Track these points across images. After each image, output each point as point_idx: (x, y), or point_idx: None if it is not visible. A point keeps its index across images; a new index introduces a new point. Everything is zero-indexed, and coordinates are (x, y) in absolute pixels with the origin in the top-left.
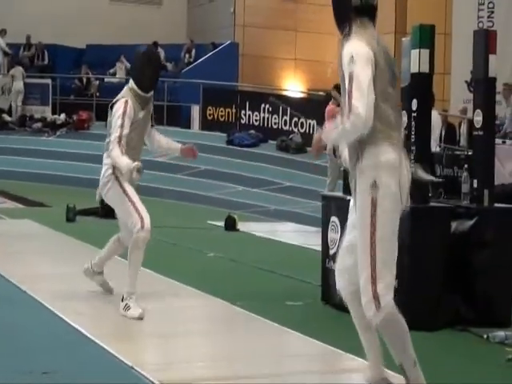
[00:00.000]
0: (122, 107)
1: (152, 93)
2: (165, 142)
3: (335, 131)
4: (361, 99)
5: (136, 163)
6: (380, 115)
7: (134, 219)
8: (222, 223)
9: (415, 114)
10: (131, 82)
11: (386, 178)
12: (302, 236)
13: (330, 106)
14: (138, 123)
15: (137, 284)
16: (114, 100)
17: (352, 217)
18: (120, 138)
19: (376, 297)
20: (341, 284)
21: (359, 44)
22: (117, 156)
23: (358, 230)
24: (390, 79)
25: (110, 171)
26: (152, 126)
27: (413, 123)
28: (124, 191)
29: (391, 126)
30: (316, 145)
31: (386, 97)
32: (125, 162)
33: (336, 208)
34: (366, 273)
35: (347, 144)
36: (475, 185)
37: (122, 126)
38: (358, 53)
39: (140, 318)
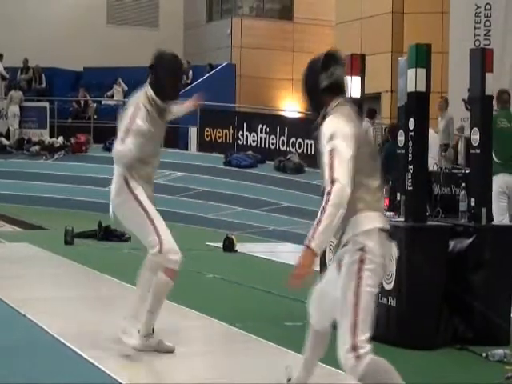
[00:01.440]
0: (133, 110)
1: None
2: (175, 110)
3: (318, 232)
4: (342, 175)
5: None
6: (366, 189)
7: (153, 240)
8: (220, 244)
9: (412, 133)
10: (148, 89)
11: (373, 244)
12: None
13: None
14: (154, 132)
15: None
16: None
17: (330, 274)
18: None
19: (355, 347)
20: (315, 318)
21: (339, 121)
22: (123, 148)
23: (342, 285)
24: (370, 153)
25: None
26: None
27: (410, 142)
28: (138, 202)
29: (376, 197)
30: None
31: (367, 171)
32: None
33: None
34: (346, 325)
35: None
36: (473, 203)
37: (131, 128)
38: (338, 129)
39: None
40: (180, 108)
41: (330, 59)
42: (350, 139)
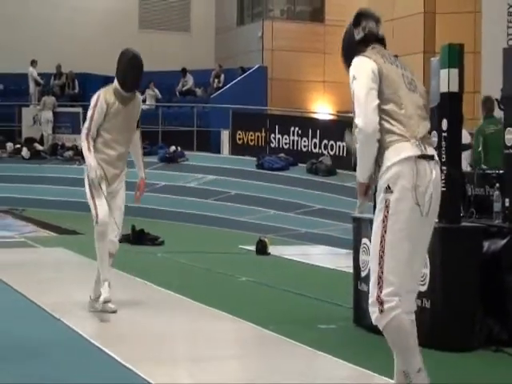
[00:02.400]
0: (94, 100)
1: (133, 93)
2: (136, 160)
3: (357, 167)
4: (360, 114)
5: (99, 174)
6: (395, 119)
7: (93, 211)
8: (253, 247)
9: (445, 134)
10: (115, 80)
11: (400, 182)
12: (333, 258)
13: None
14: (112, 115)
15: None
16: None
17: None
18: (89, 129)
19: (380, 301)
20: None
21: (360, 60)
22: (85, 151)
23: (372, 233)
24: (404, 82)
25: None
26: (137, 127)
27: (443, 143)
28: (88, 183)
29: (408, 126)
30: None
31: (397, 100)
32: (91, 161)
33: (367, 230)
34: (373, 276)
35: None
36: (507, 204)
37: (91, 117)
38: (358, 69)
39: (106, 302)
40: (138, 169)
41: (360, 16)
42: (372, 73)
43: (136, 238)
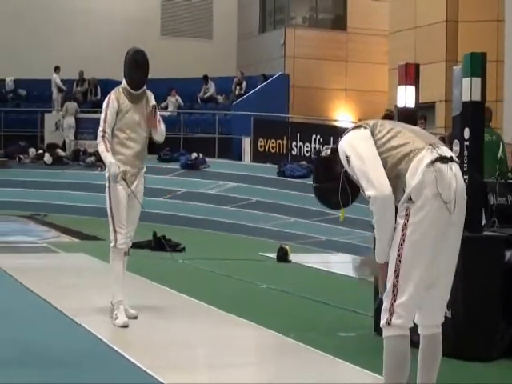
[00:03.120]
0: (105, 102)
1: (142, 90)
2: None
3: (376, 247)
4: (369, 185)
5: (121, 169)
6: (398, 146)
7: (111, 234)
8: (273, 255)
9: (467, 143)
10: (123, 80)
11: (424, 191)
12: (352, 267)
13: None
14: (124, 114)
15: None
16: None
17: None
18: (104, 131)
19: (391, 311)
20: None
21: (351, 136)
22: (102, 151)
23: (393, 240)
24: (396, 126)
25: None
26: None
27: (465, 152)
28: (109, 198)
29: (413, 142)
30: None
31: (394, 134)
32: (110, 159)
33: None
34: (389, 283)
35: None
36: None
37: (104, 119)
38: (350, 146)
39: (124, 326)
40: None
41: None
42: (363, 136)
43: (157, 244)
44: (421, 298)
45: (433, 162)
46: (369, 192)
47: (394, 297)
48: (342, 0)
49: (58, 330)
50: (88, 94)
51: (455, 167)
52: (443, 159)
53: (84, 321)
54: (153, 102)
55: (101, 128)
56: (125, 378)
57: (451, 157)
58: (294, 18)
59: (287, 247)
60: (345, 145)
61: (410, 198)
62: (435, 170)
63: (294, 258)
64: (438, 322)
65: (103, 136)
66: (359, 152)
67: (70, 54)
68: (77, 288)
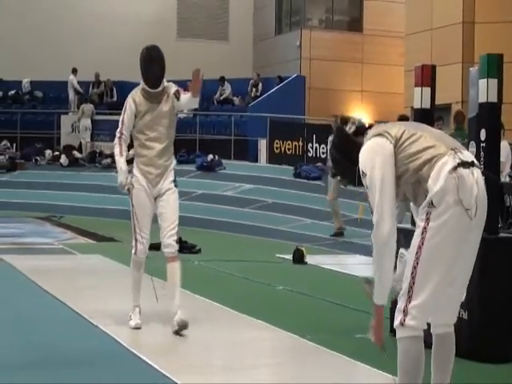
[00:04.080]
0: (124, 105)
1: (161, 88)
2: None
3: (375, 286)
4: (376, 213)
5: (130, 181)
6: (418, 152)
7: (133, 241)
8: (290, 256)
9: (484, 145)
10: (141, 80)
11: (445, 198)
12: (370, 268)
13: None
14: (143, 115)
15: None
16: None
17: None
18: (121, 132)
19: (405, 312)
20: None
21: (365, 150)
22: (116, 154)
23: (412, 241)
24: (417, 131)
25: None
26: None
27: (481, 153)
28: (132, 205)
29: (434, 146)
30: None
31: (416, 139)
32: (122, 165)
33: (404, 239)
34: (405, 284)
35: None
36: None
37: (122, 121)
38: (366, 160)
39: (136, 328)
40: (185, 96)
41: (343, 118)
42: (382, 159)
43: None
44: (436, 301)
45: (455, 168)
46: (374, 219)
47: (409, 298)
48: (358, 1)
49: (74, 332)
50: (104, 96)
51: (477, 172)
52: (465, 164)
53: (100, 322)
54: (173, 90)
55: (118, 129)
56: (140, 379)
57: (472, 162)
58: (310, 20)
59: (303, 249)
60: (365, 157)
61: (431, 203)
62: (457, 177)
63: (310, 259)
64: (452, 321)
65: (120, 137)
66: (376, 173)
67: (86, 56)
68: (93, 290)
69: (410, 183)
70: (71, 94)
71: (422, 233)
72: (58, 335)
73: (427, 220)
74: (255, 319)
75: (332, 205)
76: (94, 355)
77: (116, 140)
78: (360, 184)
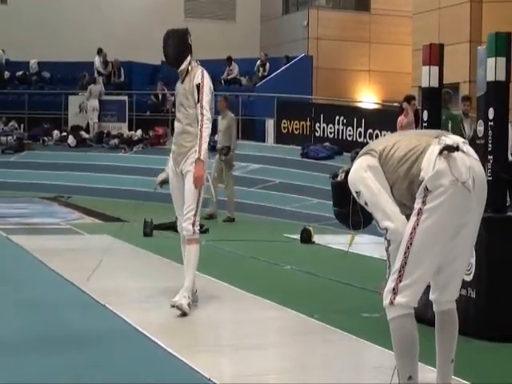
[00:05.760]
0: None
1: (183, 67)
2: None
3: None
4: (386, 218)
5: (160, 177)
6: (408, 168)
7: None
8: (297, 236)
9: (492, 123)
10: None
11: (439, 181)
12: (379, 248)
13: (401, 117)
14: (176, 94)
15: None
16: None
17: None
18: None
19: (394, 291)
20: None
21: (352, 173)
22: None
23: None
24: (399, 139)
25: None
26: (198, 102)
27: (489, 132)
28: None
29: (421, 153)
30: None
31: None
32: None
33: None
34: (397, 264)
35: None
36: None
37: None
38: (359, 179)
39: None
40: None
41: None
42: (371, 172)
43: None
44: (426, 283)
45: (442, 151)
46: (385, 223)
47: (400, 277)
48: None
49: (82, 312)
50: (111, 76)
51: (466, 147)
52: (450, 148)
53: (109, 301)
54: (196, 80)
55: None
56: (147, 358)
57: (457, 145)
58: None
59: (311, 229)
60: (354, 177)
61: (426, 188)
62: (446, 158)
63: (317, 239)
64: (453, 297)
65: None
66: (369, 184)
67: (93, 36)
68: (101, 269)
69: (405, 188)
70: (96, 74)
71: (418, 214)
72: (66, 315)
73: (423, 203)
74: (262, 299)
75: None
76: (102, 334)
77: None
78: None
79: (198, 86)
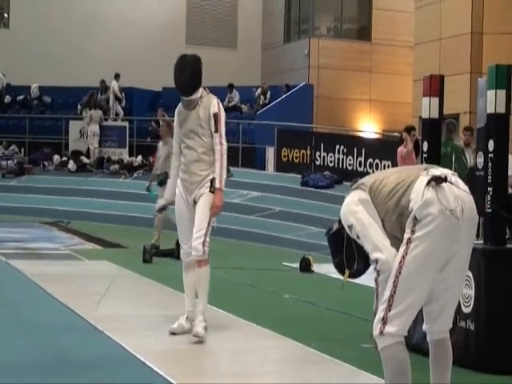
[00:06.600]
0: None
1: (194, 96)
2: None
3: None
4: (375, 250)
5: (158, 204)
6: (397, 200)
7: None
8: (296, 265)
9: (492, 155)
10: None
11: (427, 210)
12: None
13: (400, 148)
14: (182, 123)
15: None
16: None
17: None
18: (173, 147)
19: (384, 321)
20: None
21: (349, 200)
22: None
23: None
24: (388, 173)
25: None
26: (215, 131)
27: (489, 164)
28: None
29: (409, 185)
30: None
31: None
32: (166, 189)
33: None
34: (386, 293)
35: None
36: None
37: (175, 137)
38: (350, 213)
39: (172, 334)
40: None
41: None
42: (362, 205)
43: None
44: (416, 311)
45: (429, 182)
46: (375, 255)
47: (389, 306)
48: (366, 11)
49: (79, 338)
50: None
51: (455, 178)
52: (438, 179)
53: (107, 328)
54: (213, 109)
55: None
56: None
57: (446, 177)
58: (318, 28)
59: (310, 257)
60: (345, 211)
61: (415, 218)
62: (434, 188)
63: (317, 268)
64: (447, 327)
65: (174, 153)
66: (360, 217)
67: (95, 61)
68: (100, 296)
69: (394, 220)
70: (111, 99)
71: (407, 243)
72: (63, 341)
73: (412, 232)
74: (261, 327)
75: None
76: (100, 361)
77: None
78: (364, 262)
79: (216, 116)
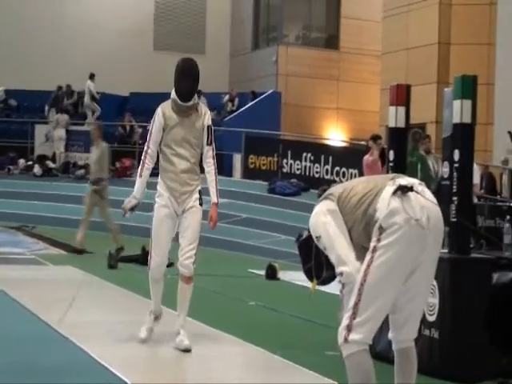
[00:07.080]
0: (154, 116)
1: (192, 103)
2: (208, 182)
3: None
4: (341, 263)
5: (130, 203)
6: (364, 210)
7: (149, 256)
8: (262, 272)
9: (457, 165)
10: (172, 91)
11: (393, 220)
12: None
13: (366, 156)
14: (171, 129)
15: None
16: None
17: None
18: (148, 146)
19: (349, 328)
20: None
21: (318, 211)
22: (137, 175)
23: None
24: (357, 184)
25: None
26: (208, 144)
27: (454, 174)
28: (153, 222)
29: (376, 194)
30: None
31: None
32: (136, 186)
33: None
34: (352, 301)
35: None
36: None
37: (150, 133)
38: (318, 224)
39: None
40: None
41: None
42: (330, 216)
43: (145, 259)
44: (381, 320)
45: (395, 191)
46: (340, 268)
47: (354, 314)
48: (335, 19)
49: (44, 345)
50: (79, 107)
51: (422, 188)
52: (404, 188)
53: (72, 334)
54: (207, 121)
55: (147, 142)
56: None
57: (412, 186)
58: (287, 36)
59: (276, 265)
60: (314, 222)
61: (381, 227)
62: (399, 197)
63: (282, 275)
64: (412, 336)
65: (146, 152)
66: (327, 228)
67: (62, 65)
68: (64, 301)
69: (361, 230)
70: (87, 99)
71: (373, 251)
72: (28, 347)
73: (378, 240)
74: (227, 334)
75: None
76: (64, 368)
77: (142, 157)
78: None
79: (209, 128)
